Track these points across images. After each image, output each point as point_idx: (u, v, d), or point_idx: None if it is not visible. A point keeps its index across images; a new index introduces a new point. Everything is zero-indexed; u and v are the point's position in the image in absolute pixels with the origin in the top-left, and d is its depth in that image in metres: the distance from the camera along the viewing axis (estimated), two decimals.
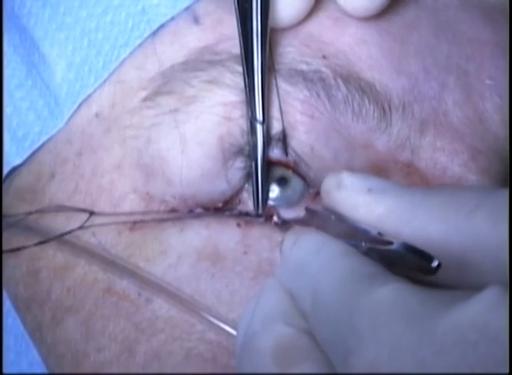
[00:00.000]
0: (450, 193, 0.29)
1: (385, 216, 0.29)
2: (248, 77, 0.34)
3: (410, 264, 0.28)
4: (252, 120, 0.34)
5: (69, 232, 0.35)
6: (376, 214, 0.30)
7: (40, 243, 0.36)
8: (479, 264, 0.27)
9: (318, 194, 0.35)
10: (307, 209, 0.33)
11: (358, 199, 0.30)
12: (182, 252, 0.34)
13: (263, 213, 0.35)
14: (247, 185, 0.36)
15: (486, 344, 0.22)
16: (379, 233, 0.29)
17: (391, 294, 0.25)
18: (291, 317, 0.29)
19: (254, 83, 0.34)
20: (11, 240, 0.37)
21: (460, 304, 0.23)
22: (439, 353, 0.22)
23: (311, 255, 0.30)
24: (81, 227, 0.35)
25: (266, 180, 0.35)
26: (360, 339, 0.24)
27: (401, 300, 0.25)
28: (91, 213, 0.35)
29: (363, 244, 0.29)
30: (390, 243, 0.28)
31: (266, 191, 0.35)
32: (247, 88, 0.34)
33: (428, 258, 0.27)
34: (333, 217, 0.31)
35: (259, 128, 0.34)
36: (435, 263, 0.27)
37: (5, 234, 0.37)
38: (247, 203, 0.36)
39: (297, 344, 0.28)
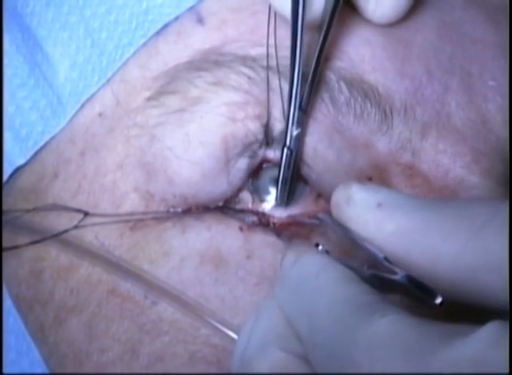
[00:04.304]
0: (461, 207, 0.28)
1: (395, 234, 0.29)
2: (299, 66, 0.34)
3: (412, 295, 0.27)
4: (293, 110, 0.34)
5: (64, 232, 0.35)
6: (386, 232, 0.29)
7: (34, 242, 0.36)
8: (489, 284, 0.27)
9: (319, 196, 0.36)
10: (316, 218, 0.33)
11: (368, 216, 0.30)
12: (185, 255, 0.34)
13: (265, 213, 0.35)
14: (248, 184, 0.36)
15: None
16: (385, 258, 0.29)
17: (389, 327, 0.24)
18: (287, 341, 0.28)
19: (310, 71, 0.34)
20: (16, 240, 0.36)
21: (459, 340, 0.23)
22: None
23: (310, 277, 0.29)
24: (76, 227, 0.35)
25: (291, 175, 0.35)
26: (357, 371, 0.24)
27: (399, 333, 0.24)
28: (86, 214, 0.35)
29: (365, 268, 0.29)
30: (394, 272, 0.28)
31: (291, 186, 0.35)
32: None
33: (432, 294, 0.27)
34: (341, 232, 0.31)
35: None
36: (438, 300, 0.27)
37: (9, 234, 0.36)
38: (248, 203, 0.36)
39: (292, 370, 0.27)
